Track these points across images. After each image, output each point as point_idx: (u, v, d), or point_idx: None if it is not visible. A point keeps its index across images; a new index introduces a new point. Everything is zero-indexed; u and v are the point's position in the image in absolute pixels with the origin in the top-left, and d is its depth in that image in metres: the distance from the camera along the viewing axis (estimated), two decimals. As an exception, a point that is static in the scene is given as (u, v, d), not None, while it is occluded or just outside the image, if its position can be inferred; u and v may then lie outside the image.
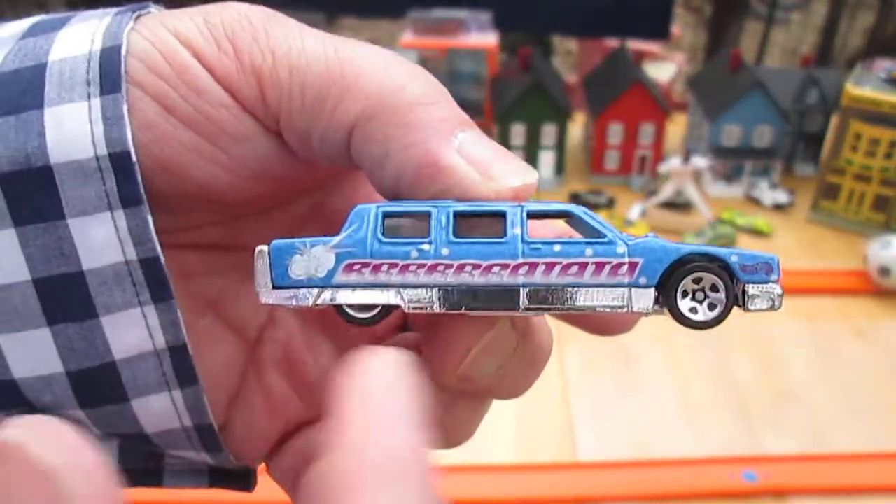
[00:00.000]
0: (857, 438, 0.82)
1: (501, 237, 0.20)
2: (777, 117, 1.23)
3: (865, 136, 1.13)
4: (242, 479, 0.27)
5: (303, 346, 0.27)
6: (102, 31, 0.21)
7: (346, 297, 0.21)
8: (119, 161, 0.20)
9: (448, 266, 0.20)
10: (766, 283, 0.20)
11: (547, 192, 1.27)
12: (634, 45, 1.45)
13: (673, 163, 1.18)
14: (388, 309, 0.21)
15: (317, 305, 0.21)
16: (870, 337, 0.98)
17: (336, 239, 0.21)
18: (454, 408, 0.25)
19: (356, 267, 0.20)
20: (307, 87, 0.21)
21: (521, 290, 0.20)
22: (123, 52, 0.20)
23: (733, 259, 0.20)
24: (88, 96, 0.20)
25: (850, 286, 1.06)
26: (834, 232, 1.19)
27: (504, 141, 1.22)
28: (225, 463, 0.25)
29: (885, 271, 1.02)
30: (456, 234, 0.20)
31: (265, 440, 0.26)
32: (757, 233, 1.17)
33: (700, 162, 1.18)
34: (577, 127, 1.39)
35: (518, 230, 0.20)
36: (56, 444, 0.16)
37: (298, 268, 0.21)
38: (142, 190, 0.20)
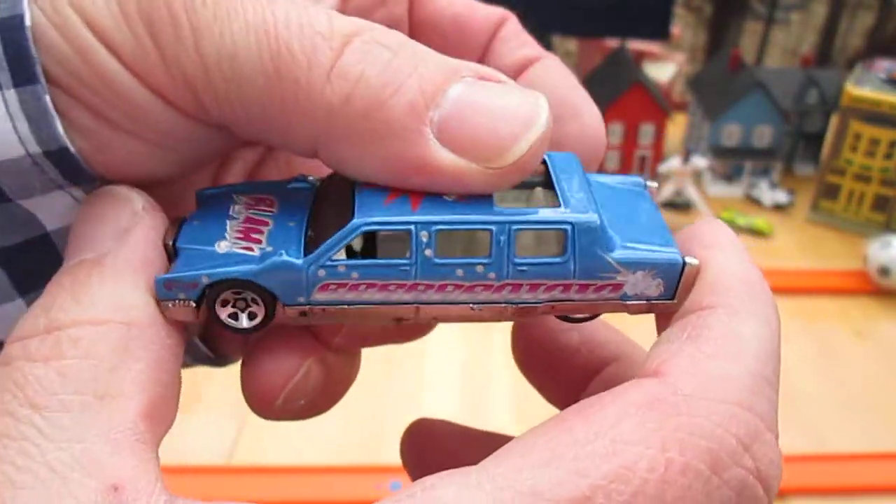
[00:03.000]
0: (857, 438, 0.82)
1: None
2: (777, 117, 1.23)
3: (865, 136, 1.13)
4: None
5: None
6: None
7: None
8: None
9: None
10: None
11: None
12: (634, 45, 1.44)
13: (673, 163, 1.18)
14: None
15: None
16: (870, 337, 0.98)
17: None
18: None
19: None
20: (251, 105, 0.19)
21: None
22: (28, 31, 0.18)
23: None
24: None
25: (850, 286, 1.06)
26: (834, 232, 1.19)
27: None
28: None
29: (885, 271, 1.02)
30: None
31: None
32: (757, 233, 1.17)
33: (700, 162, 1.18)
34: (577, 127, 1.39)
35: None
36: (131, 189, 0.20)
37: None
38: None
